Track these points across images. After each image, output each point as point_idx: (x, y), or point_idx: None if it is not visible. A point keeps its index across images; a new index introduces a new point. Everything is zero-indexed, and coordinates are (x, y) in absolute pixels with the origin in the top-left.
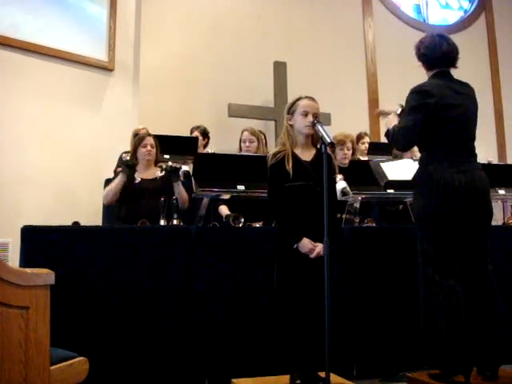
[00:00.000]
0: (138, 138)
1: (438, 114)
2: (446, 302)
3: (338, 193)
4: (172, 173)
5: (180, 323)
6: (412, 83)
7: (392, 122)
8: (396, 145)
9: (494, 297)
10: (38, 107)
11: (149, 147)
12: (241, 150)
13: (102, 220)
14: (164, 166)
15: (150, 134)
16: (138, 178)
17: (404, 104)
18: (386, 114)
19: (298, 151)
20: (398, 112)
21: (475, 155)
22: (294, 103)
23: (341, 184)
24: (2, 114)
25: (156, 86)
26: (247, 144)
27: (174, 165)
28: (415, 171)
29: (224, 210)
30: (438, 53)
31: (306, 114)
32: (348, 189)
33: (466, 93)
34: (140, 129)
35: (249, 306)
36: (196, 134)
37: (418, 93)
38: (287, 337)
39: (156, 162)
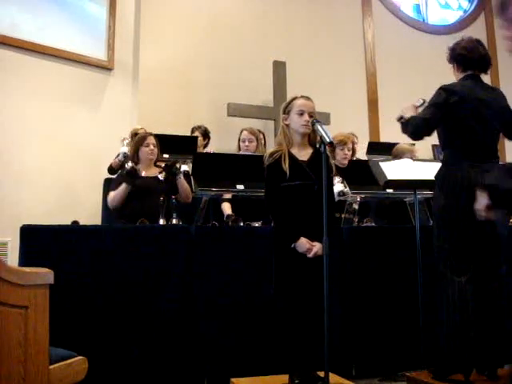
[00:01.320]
0: (141, 137)
1: (464, 114)
2: (454, 298)
3: (335, 196)
4: (170, 168)
5: (179, 322)
6: (411, 83)
7: (408, 110)
8: (405, 131)
9: (503, 298)
10: (37, 106)
11: (151, 146)
12: (239, 149)
13: (102, 219)
14: (163, 166)
15: (151, 134)
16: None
17: (426, 99)
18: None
19: (294, 151)
20: (418, 104)
21: (498, 156)
22: (289, 103)
23: (337, 187)
24: (1, 114)
25: (155, 86)
26: (246, 143)
27: (171, 161)
28: (437, 170)
29: (226, 208)
30: (475, 55)
31: (301, 114)
32: (347, 189)
33: (494, 97)
34: (138, 129)
35: (248, 305)
36: (197, 134)
37: (445, 90)
38: (286, 336)
39: (155, 162)
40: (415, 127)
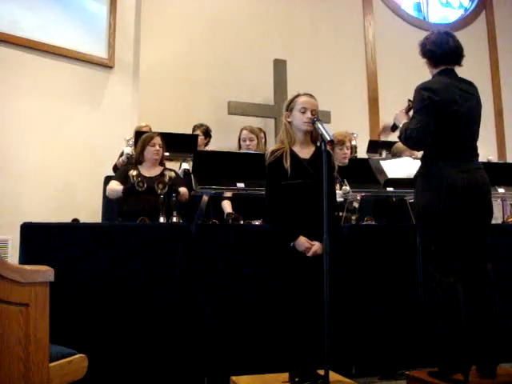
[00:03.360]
0: (148, 137)
1: (442, 112)
2: (445, 299)
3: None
4: (172, 185)
5: (179, 320)
6: (412, 81)
7: (400, 117)
8: (409, 145)
9: (493, 295)
10: (37, 104)
11: (157, 147)
12: (240, 148)
13: (102, 217)
14: (166, 181)
15: (158, 134)
16: (141, 171)
17: (411, 100)
18: (387, 129)
19: (296, 149)
20: (406, 109)
21: (477, 154)
22: (292, 100)
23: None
24: (1, 112)
25: (156, 84)
26: (247, 143)
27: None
28: (417, 169)
29: (227, 206)
30: (445, 49)
31: (304, 111)
32: (347, 187)
33: (470, 92)
34: (143, 126)
35: (248, 303)
36: (198, 132)
37: (424, 90)
38: (286, 334)
39: (160, 162)
40: (415, 140)
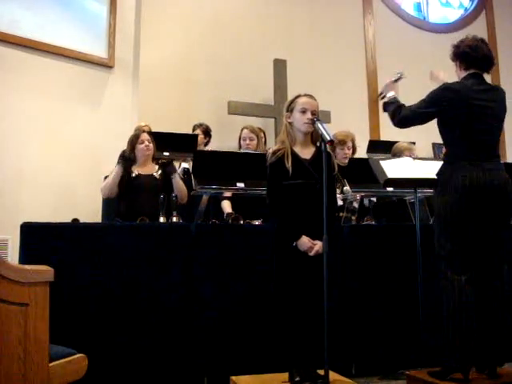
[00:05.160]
0: (134, 136)
1: (466, 113)
2: (456, 297)
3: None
4: (166, 166)
5: (179, 320)
6: (412, 81)
7: (389, 87)
8: (392, 119)
9: (504, 297)
10: (37, 104)
11: (146, 142)
12: (240, 147)
13: (102, 217)
14: (160, 162)
15: (144, 131)
16: (135, 171)
17: (401, 72)
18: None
19: (297, 149)
20: (394, 78)
21: (498, 156)
22: (292, 101)
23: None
24: (0, 111)
25: (156, 84)
26: (247, 142)
27: (168, 159)
28: (439, 168)
29: (226, 206)
30: (479, 54)
31: (304, 112)
32: (347, 188)
33: (495, 95)
34: (142, 126)
35: (248, 303)
36: (198, 131)
37: (445, 89)
38: (286, 334)
39: (153, 158)
40: (404, 118)
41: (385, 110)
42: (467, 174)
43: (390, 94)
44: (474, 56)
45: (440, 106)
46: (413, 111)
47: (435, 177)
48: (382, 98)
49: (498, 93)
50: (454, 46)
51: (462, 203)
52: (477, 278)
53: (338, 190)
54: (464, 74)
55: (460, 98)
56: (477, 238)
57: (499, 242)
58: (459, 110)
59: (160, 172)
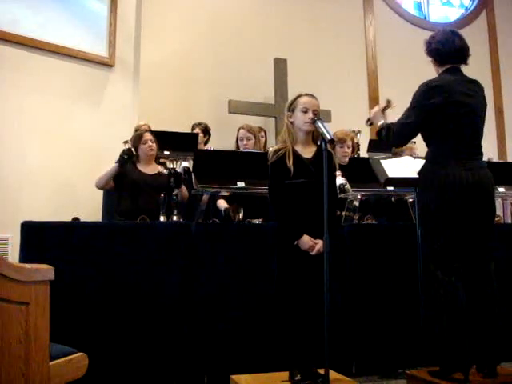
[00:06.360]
0: (137, 136)
1: (447, 111)
2: (446, 298)
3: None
4: (174, 178)
5: (179, 319)
6: (412, 80)
7: (378, 115)
8: (388, 141)
9: (494, 295)
10: (37, 103)
11: (149, 142)
12: (237, 148)
13: (102, 216)
14: (170, 168)
15: (147, 130)
16: (139, 169)
17: (390, 101)
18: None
19: (298, 148)
20: (383, 107)
21: (481, 153)
22: (294, 100)
23: (339, 180)
24: (1, 110)
25: (156, 82)
26: (244, 142)
27: (178, 170)
28: (421, 167)
29: (222, 203)
30: (451, 48)
31: (305, 111)
32: (347, 186)
33: (475, 90)
34: (141, 125)
35: (248, 302)
36: (197, 130)
37: (427, 89)
38: (287, 333)
39: (156, 158)
40: (399, 135)
41: (379, 137)
42: (450, 172)
43: (380, 123)
44: (447, 51)
45: (427, 108)
46: (403, 124)
47: (418, 175)
48: (370, 124)
49: (477, 87)
50: (427, 43)
51: (447, 202)
52: (466, 277)
53: (343, 179)
54: (440, 69)
55: (444, 95)
56: (462, 236)
57: (485, 239)
58: (443, 109)
59: (166, 174)
